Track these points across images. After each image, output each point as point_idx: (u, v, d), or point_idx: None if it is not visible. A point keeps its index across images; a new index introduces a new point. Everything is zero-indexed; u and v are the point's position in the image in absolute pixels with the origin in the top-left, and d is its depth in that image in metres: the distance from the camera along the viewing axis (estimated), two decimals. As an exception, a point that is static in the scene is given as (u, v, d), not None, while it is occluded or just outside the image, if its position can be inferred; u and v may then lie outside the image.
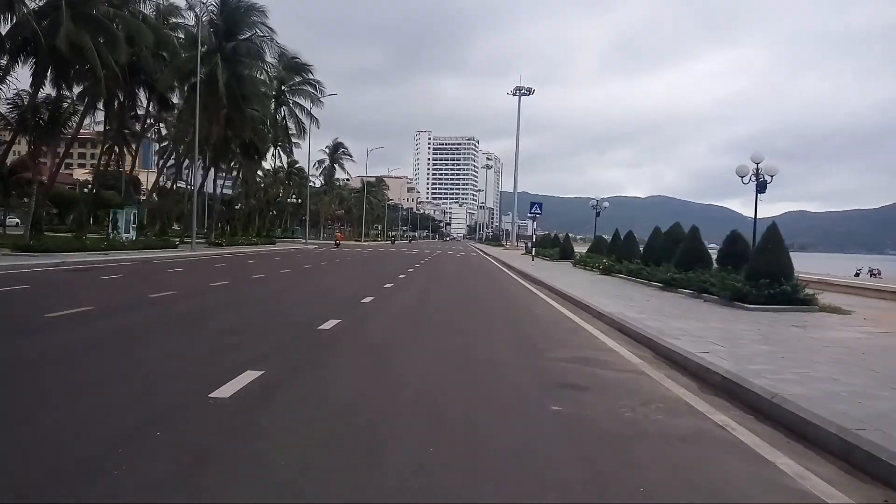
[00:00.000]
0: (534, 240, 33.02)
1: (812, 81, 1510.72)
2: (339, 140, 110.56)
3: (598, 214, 44.32)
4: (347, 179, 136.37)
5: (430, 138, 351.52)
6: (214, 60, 36.17)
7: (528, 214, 28.90)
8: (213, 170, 59.50)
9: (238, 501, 3.08)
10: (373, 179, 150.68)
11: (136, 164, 71.00)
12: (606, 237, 31.90)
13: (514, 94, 73.22)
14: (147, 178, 73.51)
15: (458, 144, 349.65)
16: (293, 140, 55.93)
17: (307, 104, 53.95)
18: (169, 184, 52.55)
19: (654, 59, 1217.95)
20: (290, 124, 53.76)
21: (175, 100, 41.62)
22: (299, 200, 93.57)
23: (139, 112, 40.93)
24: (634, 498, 3.28)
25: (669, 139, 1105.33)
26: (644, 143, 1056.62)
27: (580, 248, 40.68)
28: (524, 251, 52.11)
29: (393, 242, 69.31)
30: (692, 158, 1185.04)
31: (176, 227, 55.66)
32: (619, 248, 24.49)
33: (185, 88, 40.38)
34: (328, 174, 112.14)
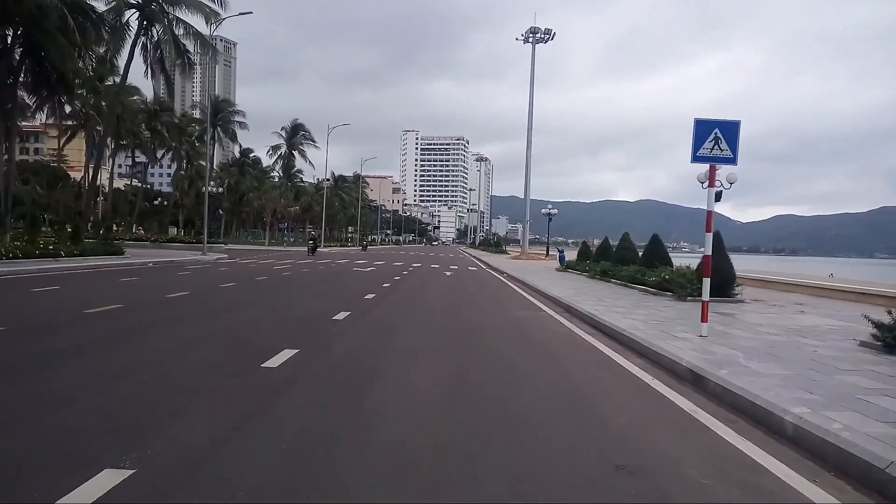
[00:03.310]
0: (711, 239, 9.64)
1: (806, 84, 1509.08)
2: (300, 122, 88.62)
3: (718, 198, 22.90)
4: (327, 179, 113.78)
5: (417, 138, 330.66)
6: None
7: (705, 148, 7.35)
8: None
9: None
10: (351, 175, 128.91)
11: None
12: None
13: (525, 41, 51.83)
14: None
15: (447, 145, 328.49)
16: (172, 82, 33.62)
17: (199, 23, 32.52)
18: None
19: (649, 61, 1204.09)
20: (168, 53, 31.96)
21: None
22: (218, 190, 70.50)
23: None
24: None
25: (661, 142, 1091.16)
26: (636, 146, 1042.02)
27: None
28: (560, 267, 30.50)
29: (312, 251, 43.11)
30: (683, 162, 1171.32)
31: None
32: None
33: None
34: (286, 163, 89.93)
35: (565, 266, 29.24)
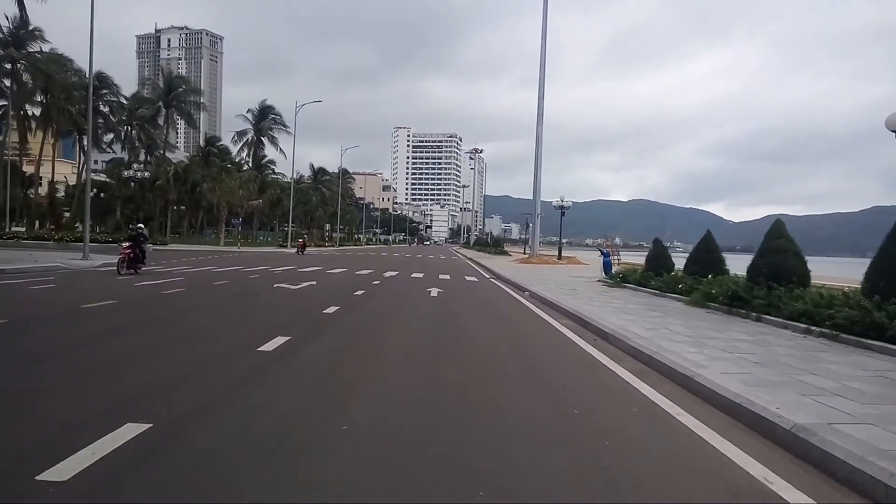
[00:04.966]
0: None
1: (801, 84, 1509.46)
2: (269, 103, 77.36)
3: None
4: (311, 175, 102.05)
5: (409, 135, 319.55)
6: None
7: None
8: None
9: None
10: (335, 170, 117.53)
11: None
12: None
13: (536, -10, 41.30)
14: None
15: (439, 142, 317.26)
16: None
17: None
18: None
19: (645, 61, 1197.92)
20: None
21: None
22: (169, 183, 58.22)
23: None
24: None
25: (656, 142, 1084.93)
26: (630, 146, 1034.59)
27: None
28: (605, 277, 19.94)
29: (126, 264, 17.87)
30: (678, 161, 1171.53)
31: None
32: None
33: None
34: (253, 151, 78.40)
35: (618, 279, 18.58)
